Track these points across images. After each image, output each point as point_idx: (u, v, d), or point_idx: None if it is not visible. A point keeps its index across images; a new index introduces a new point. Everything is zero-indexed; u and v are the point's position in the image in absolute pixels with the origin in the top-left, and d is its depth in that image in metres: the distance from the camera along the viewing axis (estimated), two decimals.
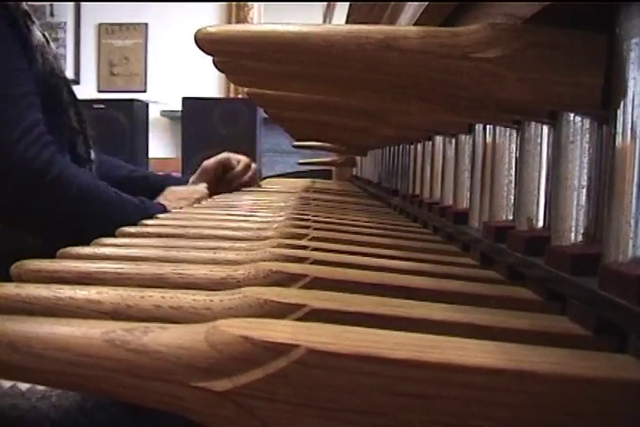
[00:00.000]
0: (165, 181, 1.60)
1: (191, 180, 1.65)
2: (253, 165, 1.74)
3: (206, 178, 1.64)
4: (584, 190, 0.50)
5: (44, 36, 1.35)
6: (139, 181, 1.60)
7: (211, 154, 1.75)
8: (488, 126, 0.70)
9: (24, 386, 0.71)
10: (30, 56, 1.22)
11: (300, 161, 2.55)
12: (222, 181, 1.69)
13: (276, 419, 0.32)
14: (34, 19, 1.24)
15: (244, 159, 1.72)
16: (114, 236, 0.81)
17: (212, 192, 1.53)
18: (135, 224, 1.16)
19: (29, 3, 1.27)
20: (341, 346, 0.32)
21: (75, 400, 0.71)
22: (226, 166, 1.70)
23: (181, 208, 1.30)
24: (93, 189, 1.22)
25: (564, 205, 0.51)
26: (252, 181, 1.74)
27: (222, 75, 0.65)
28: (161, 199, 1.43)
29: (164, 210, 1.30)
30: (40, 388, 0.71)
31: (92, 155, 1.43)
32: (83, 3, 5.44)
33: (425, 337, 0.36)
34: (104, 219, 1.21)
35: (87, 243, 0.73)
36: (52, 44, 1.40)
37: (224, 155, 1.71)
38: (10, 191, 1.14)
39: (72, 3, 5.34)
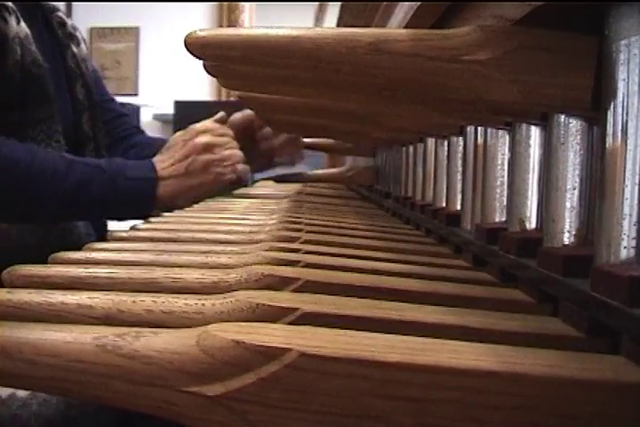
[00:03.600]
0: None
1: None
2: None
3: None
4: (575, 192, 0.50)
5: (68, 36, 1.37)
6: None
7: None
8: (479, 128, 0.70)
9: (4, 393, 0.71)
10: (6, 47, 1.22)
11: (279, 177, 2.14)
12: (251, 143, 1.48)
13: (268, 423, 0.32)
14: (11, 11, 1.24)
15: None
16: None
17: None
18: (96, 194, 1.16)
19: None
20: (334, 350, 0.32)
21: (58, 409, 0.70)
22: (254, 124, 1.49)
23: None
24: (13, 163, 1.13)
25: (555, 206, 0.51)
26: (285, 149, 1.53)
27: (214, 78, 0.65)
28: (156, 159, 1.30)
29: (148, 176, 1.22)
30: (21, 395, 0.70)
31: None
32: (74, 7, 5.44)
33: (417, 340, 0.36)
34: (40, 195, 1.14)
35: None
36: (82, 45, 1.42)
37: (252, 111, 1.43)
38: None
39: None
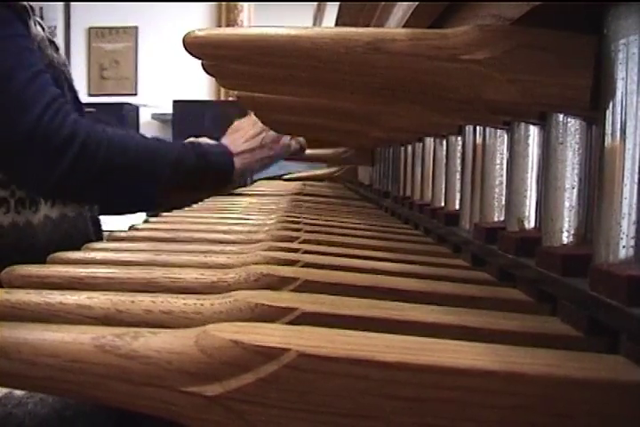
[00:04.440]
0: None
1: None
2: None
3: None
4: (574, 191, 0.50)
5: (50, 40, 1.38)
6: None
7: None
8: (478, 127, 0.70)
9: (1, 392, 0.71)
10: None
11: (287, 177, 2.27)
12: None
13: (267, 423, 0.32)
14: (31, 13, 1.25)
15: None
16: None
17: None
18: (191, 166, 1.29)
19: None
20: (332, 349, 0.32)
21: (53, 408, 0.70)
22: None
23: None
24: (126, 139, 1.24)
25: (554, 205, 0.51)
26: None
27: (213, 78, 0.65)
28: (225, 140, 1.44)
29: (225, 151, 1.36)
30: (17, 394, 0.70)
31: None
32: (72, 6, 5.44)
33: (416, 340, 0.36)
34: (149, 164, 1.24)
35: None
36: (60, 52, 1.42)
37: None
38: (54, 168, 1.16)
39: (62, 6, 5.33)
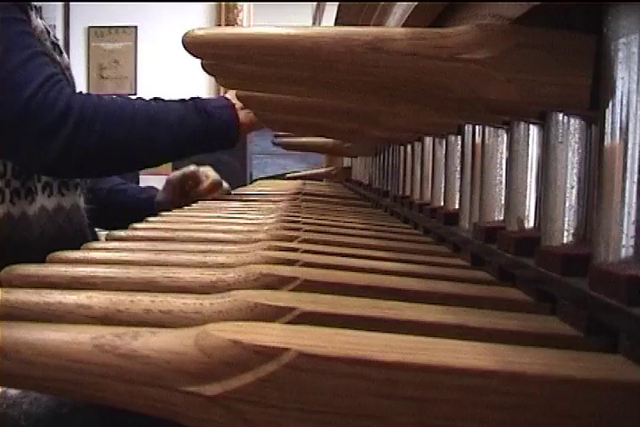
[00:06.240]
0: (139, 194, 1.60)
1: (158, 196, 1.59)
2: (225, 185, 1.62)
3: (170, 193, 1.57)
4: (574, 190, 0.50)
5: (52, 44, 1.38)
6: (119, 194, 1.61)
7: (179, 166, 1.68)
8: (477, 127, 0.70)
9: None
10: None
11: (289, 175, 2.46)
12: (187, 198, 1.52)
13: (266, 423, 0.32)
14: (34, 5, 1.27)
15: (212, 176, 1.60)
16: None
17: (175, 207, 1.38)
18: (195, 126, 1.29)
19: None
20: (332, 349, 0.32)
21: (48, 407, 0.70)
22: (192, 181, 1.58)
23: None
24: (124, 108, 1.22)
25: (553, 205, 0.51)
26: (210, 193, 1.61)
27: (212, 77, 0.65)
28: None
29: (226, 104, 1.31)
30: (11, 394, 0.70)
31: None
32: (72, 6, 5.43)
33: (416, 339, 0.36)
34: (148, 133, 1.23)
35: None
36: (64, 55, 1.43)
37: (191, 168, 1.59)
38: (49, 146, 1.15)
39: (61, 6, 5.33)
